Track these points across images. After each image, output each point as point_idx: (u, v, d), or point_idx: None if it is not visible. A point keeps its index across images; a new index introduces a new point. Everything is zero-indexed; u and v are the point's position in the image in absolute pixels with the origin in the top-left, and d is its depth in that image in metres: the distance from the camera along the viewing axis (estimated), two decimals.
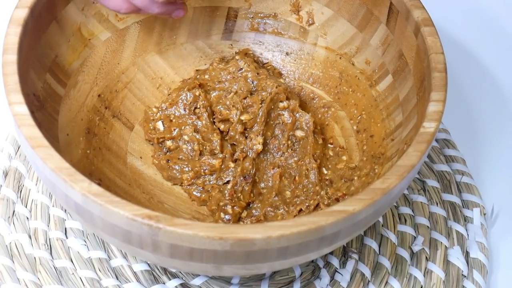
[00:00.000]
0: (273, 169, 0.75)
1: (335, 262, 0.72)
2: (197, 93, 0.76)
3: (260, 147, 0.74)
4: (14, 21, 0.65)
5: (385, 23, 0.74)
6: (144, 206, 0.57)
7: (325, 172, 0.75)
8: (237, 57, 0.79)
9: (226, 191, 0.73)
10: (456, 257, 0.74)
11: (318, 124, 0.77)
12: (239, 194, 0.73)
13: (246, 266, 0.59)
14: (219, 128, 0.76)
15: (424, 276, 0.72)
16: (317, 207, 0.72)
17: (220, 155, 0.74)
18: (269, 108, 0.75)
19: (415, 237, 0.75)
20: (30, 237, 0.72)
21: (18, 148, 0.77)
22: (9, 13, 0.66)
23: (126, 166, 0.74)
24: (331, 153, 0.76)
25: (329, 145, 0.77)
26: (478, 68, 0.90)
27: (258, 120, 0.75)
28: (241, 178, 0.73)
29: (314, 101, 0.80)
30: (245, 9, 0.81)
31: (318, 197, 0.72)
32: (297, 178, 0.74)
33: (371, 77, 0.76)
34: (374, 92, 0.76)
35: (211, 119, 0.76)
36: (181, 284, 0.71)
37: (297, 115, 0.76)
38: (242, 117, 0.75)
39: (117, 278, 0.70)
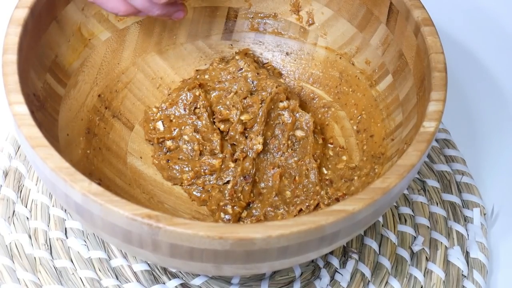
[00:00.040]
0: (273, 169, 0.75)
1: (335, 262, 0.72)
2: (197, 93, 0.76)
3: (260, 147, 0.74)
4: (14, 21, 0.65)
5: (385, 23, 0.74)
6: (144, 206, 0.57)
7: (325, 172, 0.75)
8: (237, 57, 0.79)
9: (226, 191, 0.73)
10: (456, 257, 0.74)
11: (318, 124, 0.77)
12: (239, 194, 0.73)
13: (246, 266, 0.59)
14: (219, 128, 0.76)
15: (424, 276, 0.72)
16: (317, 207, 0.72)
17: (220, 155, 0.74)
18: (269, 108, 0.75)
19: (415, 237, 0.75)
20: (30, 237, 0.72)
21: (18, 148, 0.77)
22: (9, 13, 0.66)
23: (126, 166, 0.74)
24: (331, 153, 0.76)
25: (329, 145, 0.77)
26: (478, 68, 0.90)
27: (258, 120, 0.75)
28: (241, 178, 0.73)
29: (314, 101, 0.80)
30: (245, 9, 0.81)
31: (318, 197, 0.72)
32: (297, 178, 0.74)
33: (371, 77, 0.76)
34: (374, 92, 0.76)
35: (211, 119, 0.76)
36: (181, 284, 0.70)
37: (297, 115, 0.76)
38: (242, 117, 0.75)
39: (117, 278, 0.70)
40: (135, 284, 0.70)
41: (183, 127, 0.76)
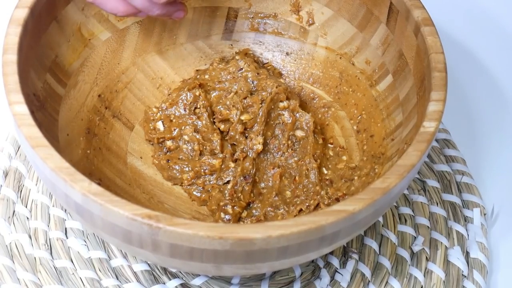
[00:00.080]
0: (273, 169, 0.75)
1: (335, 262, 0.72)
2: (197, 93, 0.76)
3: (260, 147, 0.74)
4: (14, 21, 0.65)
5: (385, 23, 0.74)
6: (144, 206, 0.57)
7: (325, 172, 0.75)
8: (237, 57, 0.79)
9: (226, 191, 0.73)
10: (456, 257, 0.74)
11: (318, 124, 0.77)
12: (239, 194, 0.73)
13: (246, 266, 0.59)
14: (219, 128, 0.76)
15: (424, 276, 0.72)
16: (317, 207, 0.72)
17: (220, 155, 0.74)
18: (269, 108, 0.75)
19: (415, 237, 0.75)
20: (30, 237, 0.72)
21: (18, 148, 0.77)
22: (9, 13, 0.66)
23: (126, 166, 0.74)
24: (331, 153, 0.76)
25: (329, 145, 0.77)
26: (478, 68, 0.90)
27: (258, 120, 0.75)
28: (241, 178, 0.73)
29: (314, 101, 0.80)
30: (245, 9, 0.81)
31: (318, 197, 0.72)
32: (297, 178, 0.74)
33: (371, 77, 0.76)
34: (374, 92, 0.76)
35: (211, 119, 0.76)
36: (181, 284, 0.70)
37: (297, 115, 0.76)
38: (242, 117, 0.75)
39: (117, 278, 0.70)
40: (135, 284, 0.70)
41: (183, 127, 0.76)
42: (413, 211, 0.76)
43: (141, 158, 0.76)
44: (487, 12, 0.95)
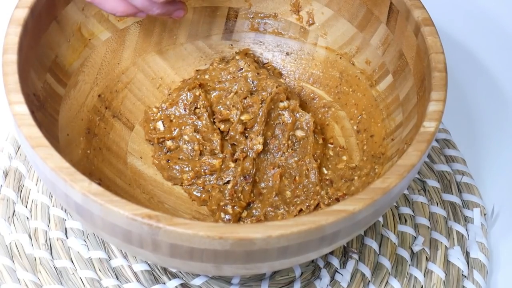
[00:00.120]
0: (273, 169, 0.75)
1: (335, 262, 0.72)
2: (197, 93, 0.76)
3: (260, 147, 0.74)
4: (14, 21, 0.65)
5: (385, 23, 0.74)
6: (144, 206, 0.57)
7: (325, 172, 0.75)
8: (237, 57, 0.79)
9: (226, 191, 0.73)
10: (457, 257, 0.74)
11: (318, 124, 0.77)
12: (239, 194, 0.73)
13: (246, 266, 0.59)
14: (219, 128, 0.76)
15: (424, 276, 0.72)
16: (317, 207, 0.72)
17: (220, 155, 0.74)
18: (269, 108, 0.75)
19: (415, 237, 0.75)
20: (30, 237, 0.72)
21: (18, 148, 0.77)
22: (9, 13, 0.66)
23: (126, 166, 0.74)
24: (331, 153, 0.76)
25: (329, 145, 0.77)
26: (478, 68, 0.90)
27: (258, 120, 0.75)
28: (241, 178, 0.73)
29: (314, 101, 0.80)
30: (245, 9, 0.81)
31: (319, 197, 0.72)
32: (297, 178, 0.74)
33: (371, 77, 0.76)
34: (374, 92, 0.76)
35: (211, 119, 0.76)
36: (181, 284, 0.70)
37: (297, 115, 0.76)
38: (242, 117, 0.75)
39: (117, 278, 0.70)
40: (135, 284, 0.70)
41: (183, 127, 0.76)
42: (413, 211, 0.76)
43: (141, 158, 0.76)
44: (487, 12, 0.95)
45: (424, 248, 0.74)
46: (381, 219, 0.75)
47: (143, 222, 0.55)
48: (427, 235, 0.75)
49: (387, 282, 0.72)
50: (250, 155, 0.74)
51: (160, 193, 0.74)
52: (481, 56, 0.91)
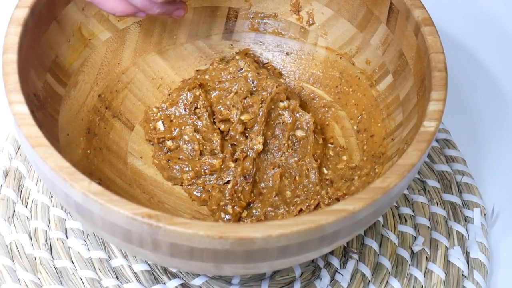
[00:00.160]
0: (273, 169, 0.75)
1: (335, 262, 0.72)
2: (197, 93, 0.76)
3: (260, 147, 0.74)
4: (14, 21, 0.65)
5: (385, 22, 0.74)
6: (145, 206, 0.57)
7: (326, 172, 0.75)
8: (237, 57, 0.79)
9: (226, 191, 0.73)
10: (457, 257, 0.74)
11: (319, 124, 0.77)
12: (240, 194, 0.73)
13: (246, 266, 0.59)
14: (219, 128, 0.76)
15: (424, 276, 0.72)
16: (317, 207, 0.72)
17: (221, 155, 0.74)
18: (270, 108, 0.75)
19: (415, 237, 0.75)
20: (30, 237, 0.72)
21: (19, 148, 0.77)
22: (9, 13, 0.66)
23: (127, 166, 0.74)
24: (331, 153, 0.76)
25: (330, 145, 0.77)
26: (478, 68, 0.90)
27: (259, 120, 0.75)
28: (242, 178, 0.73)
29: (315, 101, 0.80)
30: (245, 9, 0.81)
31: (319, 197, 0.72)
32: (297, 178, 0.74)
33: (372, 77, 0.76)
34: (375, 92, 0.76)
35: (212, 119, 0.76)
36: (181, 284, 0.70)
37: (297, 115, 0.76)
38: (243, 117, 0.75)
39: (117, 278, 0.70)
40: (135, 284, 0.70)
41: (183, 127, 0.76)
42: (413, 211, 0.76)
43: (141, 158, 0.76)
44: (487, 12, 0.95)
45: (424, 248, 0.74)
46: (381, 219, 0.75)
47: (143, 222, 0.55)
48: (427, 235, 0.75)
49: (387, 282, 0.72)
50: (250, 155, 0.74)
51: (160, 193, 0.74)
52: (481, 56, 0.91)
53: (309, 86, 0.81)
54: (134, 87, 0.78)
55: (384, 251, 0.73)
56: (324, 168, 0.75)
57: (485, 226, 0.76)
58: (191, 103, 0.76)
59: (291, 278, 0.72)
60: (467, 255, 0.74)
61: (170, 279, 0.71)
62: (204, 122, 0.75)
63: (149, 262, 0.71)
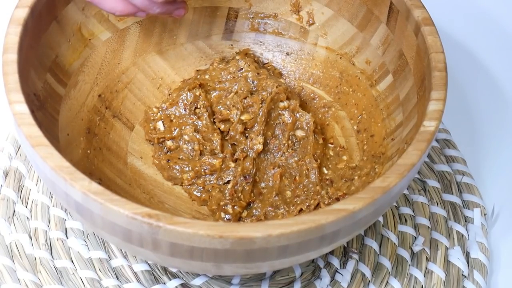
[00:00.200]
0: (273, 169, 0.75)
1: (335, 262, 0.72)
2: (197, 93, 0.76)
3: (260, 147, 0.74)
4: (14, 21, 0.65)
5: (385, 22, 0.74)
6: (145, 206, 0.57)
7: (326, 172, 0.75)
8: (237, 57, 0.79)
9: (226, 191, 0.73)
10: (457, 257, 0.73)
11: (319, 124, 0.77)
12: (240, 194, 0.73)
13: (246, 265, 0.59)
14: (219, 128, 0.76)
15: (424, 276, 0.72)
16: (317, 206, 0.72)
17: (221, 155, 0.74)
18: (270, 108, 0.75)
19: (415, 237, 0.75)
20: (30, 237, 0.72)
21: (19, 148, 0.77)
22: (9, 12, 0.66)
23: (127, 166, 0.74)
24: (331, 153, 0.76)
25: (330, 145, 0.77)
26: (478, 68, 0.90)
27: (259, 120, 0.75)
28: (242, 178, 0.73)
29: (315, 101, 0.80)
30: (246, 9, 0.81)
31: (319, 196, 0.72)
32: (297, 178, 0.74)
33: (372, 77, 0.76)
34: (375, 92, 0.76)
35: (212, 119, 0.76)
36: (181, 284, 0.70)
37: (297, 115, 0.76)
38: (243, 117, 0.75)
39: (117, 278, 0.70)
40: (135, 284, 0.70)
41: (183, 127, 0.76)
42: (413, 211, 0.76)
43: (141, 158, 0.76)
44: (487, 12, 0.95)
45: (424, 248, 0.74)
46: (381, 219, 0.75)
47: (143, 221, 0.55)
48: (427, 235, 0.75)
49: (387, 282, 0.72)
50: (250, 155, 0.74)
51: (160, 193, 0.74)
52: (481, 56, 0.91)
53: (309, 86, 0.81)
54: (134, 87, 0.78)
55: (384, 251, 0.73)
56: (324, 168, 0.75)
57: (485, 226, 0.76)
58: (191, 103, 0.76)
59: (291, 278, 0.72)
60: (467, 255, 0.74)
61: (170, 279, 0.71)
62: (204, 122, 0.75)
63: (149, 262, 0.71)
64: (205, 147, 0.75)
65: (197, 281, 0.71)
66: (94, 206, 0.57)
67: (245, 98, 0.76)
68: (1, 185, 0.75)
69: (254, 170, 0.74)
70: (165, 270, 0.71)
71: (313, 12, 0.80)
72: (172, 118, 0.76)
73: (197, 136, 0.75)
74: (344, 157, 0.76)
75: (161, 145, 0.76)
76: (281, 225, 0.56)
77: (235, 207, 0.72)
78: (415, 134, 0.62)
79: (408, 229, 0.75)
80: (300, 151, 0.75)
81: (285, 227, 0.56)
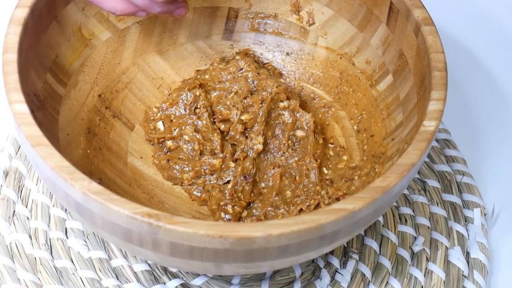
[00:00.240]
0: (273, 169, 0.75)
1: (335, 262, 0.72)
2: (197, 93, 0.76)
3: (260, 147, 0.74)
4: (14, 21, 0.65)
5: (385, 22, 0.74)
6: (145, 206, 0.57)
7: (326, 171, 0.75)
8: (237, 57, 0.79)
9: (226, 191, 0.73)
10: (457, 257, 0.73)
11: (319, 124, 0.77)
12: (240, 194, 0.73)
13: (246, 265, 0.59)
14: (219, 128, 0.76)
15: (424, 276, 0.72)
16: (317, 206, 0.72)
17: (221, 155, 0.74)
18: (270, 108, 0.75)
19: (415, 237, 0.75)
20: (30, 237, 0.72)
21: (19, 148, 0.77)
22: (9, 12, 0.66)
23: (127, 166, 0.74)
24: (331, 153, 0.76)
25: (330, 145, 0.77)
26: (478, 68, 0.90)
27: (259, 120, 0.75)
28: (242, 178, 0.73)
29: (315, 101, 0.80)
30: (246, 9, 0.81)
31: (319, 196, 0.72)
32: (297, 178, 0.74)
33: (372, 76, 0.76)
34: (375, 92, 0.76)
35: (212, 119, 0.76)
36: (181, 284, 0.70)
37: (297, 115, 0.76)
38: (243, 117, 0.75)
39: (117, 278, 0.70)
40: (135, 284, 0.70)
41: (183, 127, 0.76)
42: (413, 211, 0.76)
43: (141, 158, 0.76)
44: (487, 12, 0.95)
45: (424, 248, 0.74)
46: (381, 219, 0.75)
47: (143, 221, 0.55)
48: (427, 235, 0.75)
49: (387, 282, 0.72)
50: (250, 155, 0.75)
51: (160, 193, 0.74)
52: (481, 56, 0.91)
53: (309, 86, 0.81)
54: (134, 87, 0.78)
55: (384, 251, 0.73)
56: (324, 168, 0.75)
57: (485, 226, 0.76)
58: (191, 103, 0.76)
59: (291, 278, 0.72)
60: (467, 255, 0.74)
61: (170, 279, 0.71)
62: (204, 122, 0.75)
63: (149, 262, 0.71)
64: (205, 147, 0.75)
65: (197, 281, 0.71)
66: (94, 206, 0.57)
67: (245, 98, 0.76)
68: (1, 185, 0.75)
69: (254, 170, 0.74)
70: (165, 270, 0.71)
71: (313, 12, 0.80)
72: (172, 118, 0.76)
73: (197, 136, 0.75)
74: (344, 157, 0.76)
75: (161, 145, 0.76)
76: (281, 225, 0.56)
77: (235, 207, 0.72)
78: (415, 134, 0.62)
79: (408, 229, 0.75)
80: (300, 151, 0.75)
81: (285, 227, 0.56)
